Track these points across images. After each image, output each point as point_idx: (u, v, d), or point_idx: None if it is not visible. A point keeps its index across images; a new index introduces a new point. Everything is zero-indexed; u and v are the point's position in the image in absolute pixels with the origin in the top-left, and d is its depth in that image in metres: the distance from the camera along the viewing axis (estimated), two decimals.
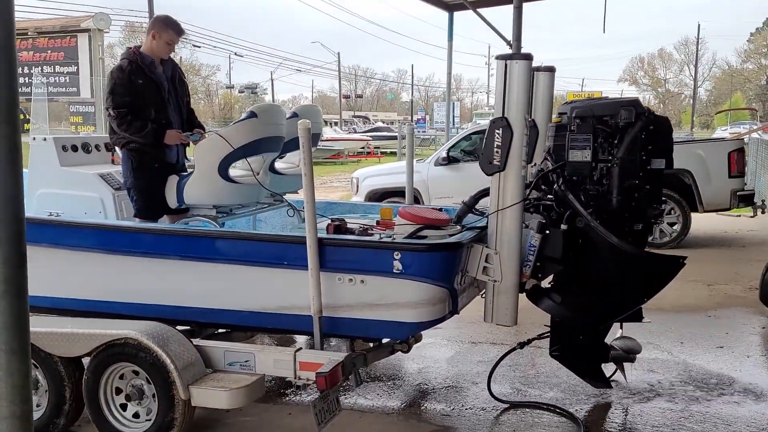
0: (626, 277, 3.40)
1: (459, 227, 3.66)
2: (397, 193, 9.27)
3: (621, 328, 4.03)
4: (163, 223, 4.27)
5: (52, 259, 3.94)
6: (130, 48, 4.40)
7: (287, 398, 4.17)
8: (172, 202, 4.25)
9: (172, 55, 4.53)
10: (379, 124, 49.32)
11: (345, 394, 4.15)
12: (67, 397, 3.59)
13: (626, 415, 3.88)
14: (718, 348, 5.00)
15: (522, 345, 3.96)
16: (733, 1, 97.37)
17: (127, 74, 4.17)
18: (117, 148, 4.41)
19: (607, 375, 4.01)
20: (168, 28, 4.29)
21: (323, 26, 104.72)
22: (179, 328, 3.69)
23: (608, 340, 3.93)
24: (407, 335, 3.74)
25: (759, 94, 57.81)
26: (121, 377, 3.51)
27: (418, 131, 40.10)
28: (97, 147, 4.82)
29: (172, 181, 4.25)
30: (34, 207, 4.34)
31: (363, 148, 33.28)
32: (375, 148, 33.54)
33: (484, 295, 3.55)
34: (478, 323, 4.20)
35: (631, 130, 3.32)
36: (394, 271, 3.26)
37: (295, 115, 4.74)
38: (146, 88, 4.21)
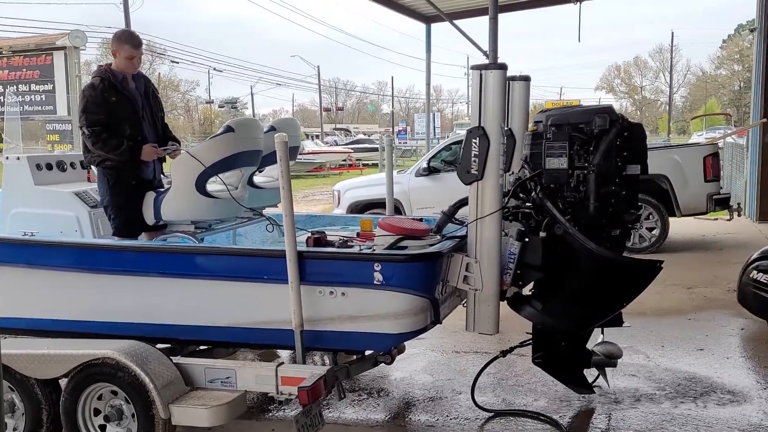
0: (605, 283, 3.42)
1: (439, 237, 3.67)
2: (379, 204, 9.27)
3: (602, 333, 4.06)
4: (141, 240, 4.23)
5: (28, 279, 3.88)
6: (102, 66, 4.37)
7: (270, 414, 4.13)
8: (149, 218, 4.21)
9: (147, 72, 4.50)
10: (360, 136, 49.41)
11: (329, 408, 4.12)
12: (45, 419, 3.52)
13: (609, 420, 3.89)
14: (699, 350, 5.04)
15: (505, 353, 3.97)
16: (706, 9, 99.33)
17: (100, 92, 4.14)
18: (92, 166, 4.37)
19: (590, 381, 4.02)
20: (123, 43, 4.24)
21: (302, 40, 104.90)
22: (159, 346, 3.64)
23: (590, 345, 3.96)
24: (389, 346, 3.72)
25: (733, 100, 58.89)
26: (100, 398, 3.45)
27: (400, 142, 40.23)
28: (72, 165, 4.77)
29: (149, 197, 4.21)
30: (8, 227, 4.28)
31: (345, 160, 33.31)
32: (357, 160, 33.58)
33: (465, 304, 3.56)
34: (461, 332, 4.19)
35: (606, 136, 3.35)
36: (375, 282, 3.25)
37: (272, 128, 4.73)
38: (120, 105, 4.18)
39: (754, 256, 5.75)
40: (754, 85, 12.29)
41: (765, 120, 11.33)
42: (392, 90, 68.26)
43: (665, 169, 8.74)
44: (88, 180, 4.78)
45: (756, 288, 5.55)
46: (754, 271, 5.58)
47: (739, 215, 11.15)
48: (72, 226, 4.36)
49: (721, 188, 9.41)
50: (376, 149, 31.19)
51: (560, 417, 3.89)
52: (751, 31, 13.24)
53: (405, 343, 4.05)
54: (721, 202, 9.11)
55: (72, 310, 3.84)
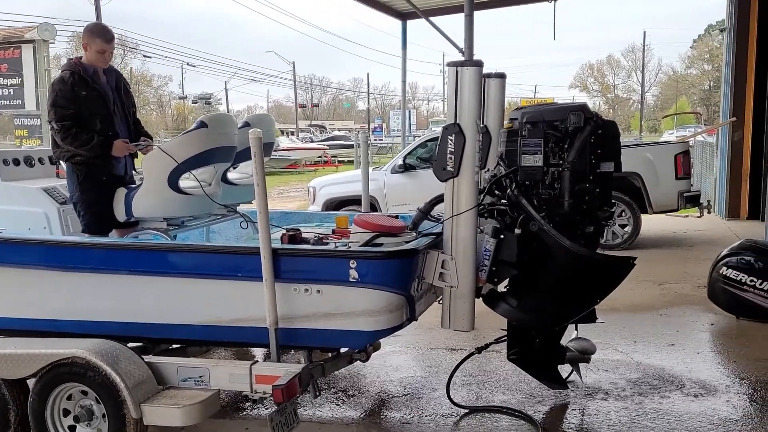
0: (579, 279, 3.45)
1: (415, 234, 3.66)
2: (355, 201, 9.24)
3: (576, 329, 4.09)
4: (112, 238, 4.15)
5: None
6: (72, 59, 4.28)
7: (245, 412, 4.09)
8: (120, 215, 4.13)
9: (119, 67, 4.43)
10: (336, 132, 49.28)
11: (304, 406, 4.09)
12: (12, 420, 3.43)
13: (583, 416, 3.93)
14: (670, 346, 5.12)
15: (480, 350, 3.98)
16: (677, 9, 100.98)
17: (70, 86, 4.04)
18: (61, 162, 4.27)
19: (564, 376, 4.06)
20: (95, 37, 4.15)
21: (277, 36, 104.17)
22: (131, 345, 3.58)
23: (564, 341, 3.99)
24: (365, 344, 3.71)
25: (703, 99, 59.98)
26: (69, 398, 3.38)
27: (375, 139, 40.23)
28: (40, 160, 4.68)
29: (120, 193, 4.14)
30: None
31: (320, 157, 33.20)
32: (332, 156, 33.50)
33: (441, 301, 3.56)
34: (437, 329, 4.19)
35: (581, 134, 3.37)
36: (351, 279, 3.23)
37: (247, 124, 4.69)
38: (90, 100, 4.09)
39: (724, 252, 5.86)
40: (724, 84, 12.52)
41: (734, 119, 11.55)
42: (368, 87, 68.27)
43: (638, 167, 8.86)
44: (57, 176, 4.69)
45: (725, 284, 5.67)
46: (724, 268, 5.69)
47: (708, 212, 11.36)
48: (40, 223, 4.27)
49: (692, 186, 9.57)
50: (351, 146, 31.12)
51: (535, 413, 3.92)
52: (721, 31, 13.49)
53: (381, 340, 4.04)
54: (692, 200, 9.27)
55: (41, 309, 3.76)
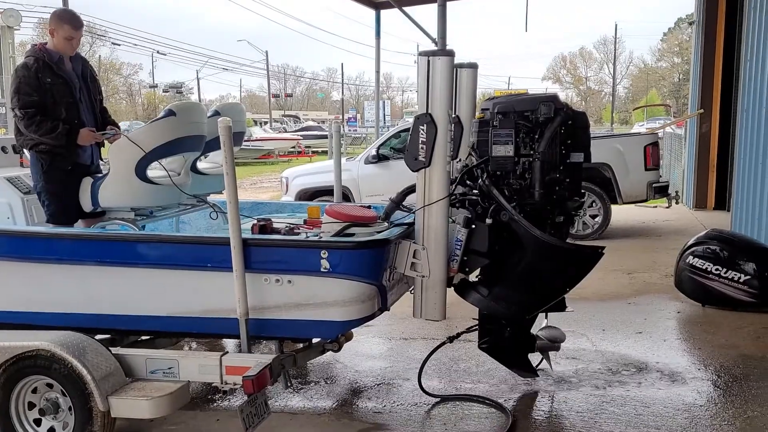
0: (549, 269, 3.48)
1: (386, 224, 3.66)
2: (328, 191, 9.18)
3: (546, 318, 4.14)
4: (78, 228, 4.07)
5: None
6: (36, 45, 4.16)
7: (215, 404, 4.06)
8: (86, 205, 4.06)
9: (87, 55, 4.33)
10: (310, 123, 48.99)
11: (275, 397, 4.07)
12: None
13: (552, 403, 3.98)
14: (638, 334, 5.21)
15: (451, 339, 4.00)
16: (648, 1, 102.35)
17: (34, 72, 3.94)
18: (25, 150, 4.17)
19: (534, 364, 4.11)
20: (63, 23, 4.05)
21: (250, 24, 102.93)
22: (99, 336, 3.53)
23: (534, 330, 4.03)
24: (337, 334, 3.70)
25: (672, 91, 60.92)
26: (34, 391, 3.32)
27: (350, 130, 40.08)
28: (3, 149, 4.57)
29: (86, 183, 4.06)
30: None
31: (294, 147, 32.99)
32: (306, 147, 33.31)
33: (413, 291, 3.56)
34: (408, 319, 4.20)
35: (551, 125, 3.40)
36: (322, 269, 3.22)
37: (217, 113, 4.63)
38: (55, 87, 3.99)
39: (690, 242, 5.97)
40: (693, 77, 12.73)
41: (701, 111, 11.75)
42: (342, 77, 67.89)
43: (608, 158, 8.97)
44: (21, 165, 4.58)
45: (691, 273, 5.78)
46: (690, 257, 5.81)
47: (677, 203, 11.58)
48: (4, 213, 4.18)
49: (661, 177, 9.73)
50: (325, 136, 31.01)
51: (505, 400, 3.96)
52: (690, 24, 13.70)
53: (353, 330, 4.04)
54: (661, 190, 9.43)
55: (5, 301, 3.68)
